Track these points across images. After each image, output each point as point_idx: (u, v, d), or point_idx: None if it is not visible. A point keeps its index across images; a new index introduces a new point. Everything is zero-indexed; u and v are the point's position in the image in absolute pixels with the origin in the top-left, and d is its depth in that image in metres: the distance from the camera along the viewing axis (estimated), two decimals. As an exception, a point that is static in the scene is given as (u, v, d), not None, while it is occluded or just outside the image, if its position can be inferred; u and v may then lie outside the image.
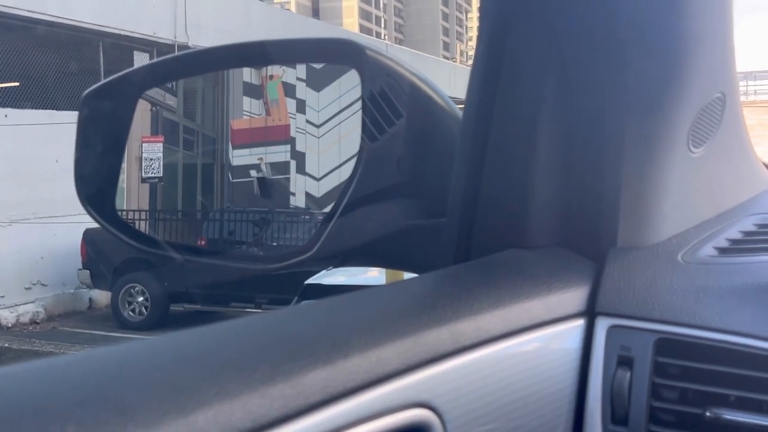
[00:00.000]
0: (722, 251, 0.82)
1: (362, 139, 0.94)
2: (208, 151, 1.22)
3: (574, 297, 0.76)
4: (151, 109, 1.19)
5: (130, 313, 11.83)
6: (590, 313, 0.76)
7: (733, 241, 0.85)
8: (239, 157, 1.15)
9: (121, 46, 14.66)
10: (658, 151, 0.82)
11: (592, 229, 0.84)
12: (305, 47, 1.11)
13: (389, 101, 0.94)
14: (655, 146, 0.82)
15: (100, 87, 1.13)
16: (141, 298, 11.75)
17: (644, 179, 0.83)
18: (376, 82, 0.94)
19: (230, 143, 1.16)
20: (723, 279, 0.76)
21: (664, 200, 0.84)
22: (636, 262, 0.80)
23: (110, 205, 1.12)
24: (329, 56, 1.07)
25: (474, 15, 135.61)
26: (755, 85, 42.33)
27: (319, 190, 1.06)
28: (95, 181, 1.11)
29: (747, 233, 0.87)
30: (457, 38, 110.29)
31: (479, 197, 0.87)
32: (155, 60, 1.22)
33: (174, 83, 1.21)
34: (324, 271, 7.47)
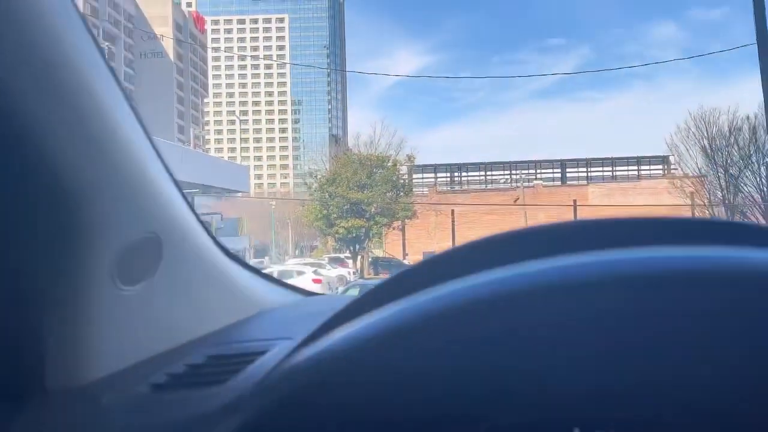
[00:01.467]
0: (157, 388, 0.79)
1: None
2: None
3: None
4: None
5: None
6: None
7: (173, 376, 0.81)
8: None
9: None
10: (79, 291, 0.80)
11: (18, 369, 0.79)
12: None
13: None
14: (75, 287, 0.79)
15: None
16: None
17: (67, 318, 0.79)
18: None
19: None
20: (148, 417, 0.74)
21: (93, 339, 0.81)
22: (58, 406, 0.76)
23: None
24: None
25: (211, 100, 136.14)
26: (467, 176, 47.07)
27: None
28: None
29: (193, 366, 0.84)
30: (192, 122, 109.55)
31: None
32: None
33: None
34: None
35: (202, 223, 1.02)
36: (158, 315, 0.90)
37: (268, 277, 1.28)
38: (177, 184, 0.95)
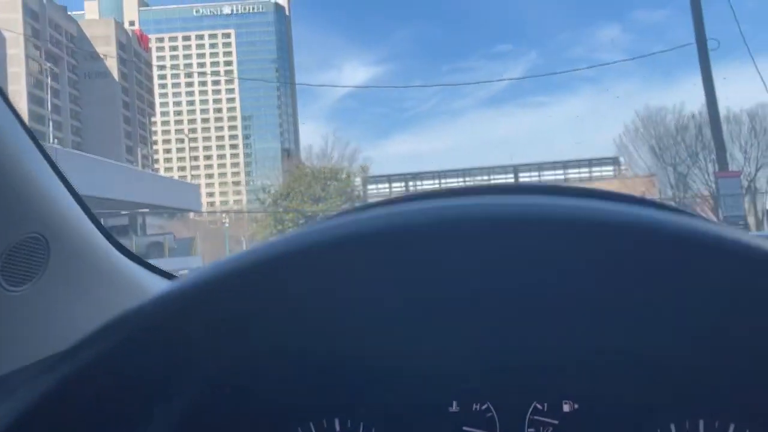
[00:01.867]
0: None
1: None
2: None
3: None
4: None
5: None
6: None
7: None
8: None
9: None
10: None
11: None
12: None
13: None
14: None
15: None
16: None
17: None
18: None
19: None
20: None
21: None
22: None
23: None
24: None
25: (158, 119, 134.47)
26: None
27: None
28: None
29: None
30: (140, 142, 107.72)
31: None
32: None
33: None
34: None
35: (95, 220, 0.99)
36: (51, 315, 0.87)
37: (163, 272, 1.26)
38: (68, 183, 0.93)
